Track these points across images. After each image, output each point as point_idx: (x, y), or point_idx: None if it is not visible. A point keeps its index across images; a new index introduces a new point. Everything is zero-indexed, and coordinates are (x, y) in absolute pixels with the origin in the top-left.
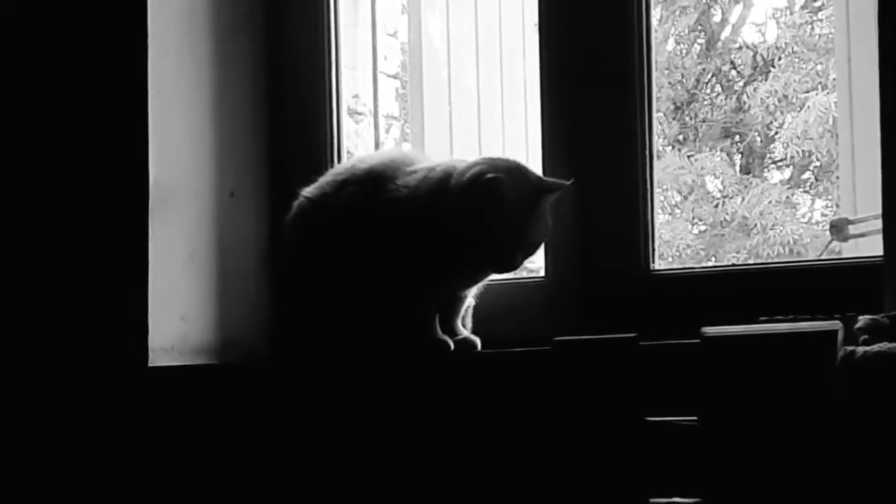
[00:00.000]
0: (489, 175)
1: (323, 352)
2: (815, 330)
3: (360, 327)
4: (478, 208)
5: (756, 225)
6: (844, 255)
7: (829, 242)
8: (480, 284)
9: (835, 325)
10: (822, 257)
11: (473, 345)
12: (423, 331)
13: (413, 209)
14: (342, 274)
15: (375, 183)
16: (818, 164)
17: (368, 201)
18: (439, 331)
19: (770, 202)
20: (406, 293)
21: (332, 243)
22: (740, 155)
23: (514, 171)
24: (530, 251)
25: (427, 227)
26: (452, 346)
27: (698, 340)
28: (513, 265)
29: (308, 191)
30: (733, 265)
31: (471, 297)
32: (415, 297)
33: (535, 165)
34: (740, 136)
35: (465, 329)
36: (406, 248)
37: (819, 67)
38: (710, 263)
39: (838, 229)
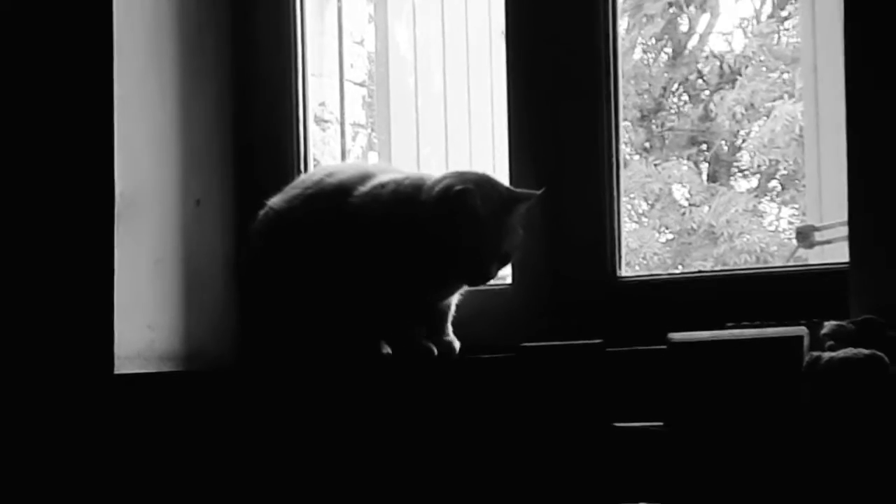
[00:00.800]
0: (458, 187)
1: (291, 360)
2: (782, 336)
3: (329, 336)
4: (449, 220)
5: (723, 233)
6: (810, 262)
7: (796, 249)
8: (460, 292)
9: (801, 331)
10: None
11: (453, 350)
12: (402, 337)
13: (381, 219)
14: (310, 285)
15: (344, 198)
16: (785, 172)
17: (337, 215)
18: (419, 336)
19: (737, 210)
20: (377, 307)
21: (300, 256)
22: (707, 163)
23: (484, 183)
24: (503, 262)
25: (396, 240)
26: (436, 352)
27: (665, 346)
28: (487, 276)
29: (275, 201)
30: (700, 272)
31: (454, 303)
32: (387, 311)
33: (502, 172)
34: (707, 145)
35: (449, 333)
36: (376, 261)
37: (786, 76)
38: (676, 270)
39: (804, 236)
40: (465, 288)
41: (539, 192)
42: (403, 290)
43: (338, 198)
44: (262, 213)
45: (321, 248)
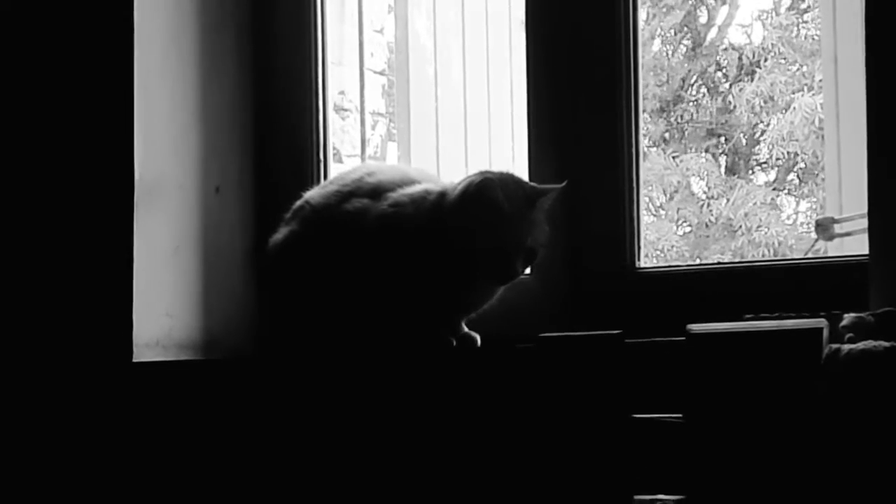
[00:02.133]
0: (478, 180)
1: (314, 348)
2: (801, 328)
3: (356, 326)
4: (472, 216)
5: (741, 226)
6: (830, 254)
7: (815, 242)
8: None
9: (820, 322)
10: (808, 256)
11: (474, 342)
12: (426, 333)
13: (412, 228)
14: (337, 282)
15: (380, 200)
16: (803, 165)
17: (368, 219)
18: (442, 331)
19: (755, 203)
20: (405, 310)
21: (331, 254)
22: (725, 156)
23: (506, 178)
24: (529, 258)
25: (421, 249)
26: (454, 343)
27: (684, 338)
28: (514, 273)
29: (311, 195)
30: (719, 263)
31: None
32: (414, 314)
33: (522, 162)
34: (725, 138)
35: (464, 327)
36: (400, 271)
37: (805, 69)
38: (695, 262)
39: (824, 228)
40: (500, 291)
41: (561, 186)
42: (430, 297)
43: (373, 199)
44: (297, 204)
45: (351, 249)
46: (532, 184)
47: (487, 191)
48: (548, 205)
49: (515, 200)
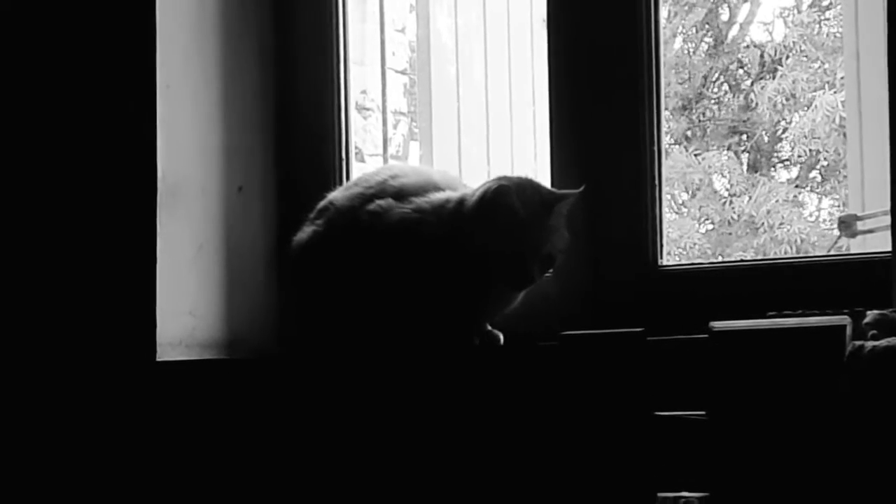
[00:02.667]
0: (495, 186)
1: (337, 347)
2: (824, 325)
3: (378, 326)
4: (489, 221)
5: (763, 224)
6: (853, 251)
7: (838, 239)
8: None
9: (843, 320)
10: (831, 253)
11: (497, 340)
12: (449, 331)
13: (431, 234)
14: (361, 284)
15: (404, 203)
16: (825, 163)
17: (388, 224)
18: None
19: (777, 201)
20: (434, 319)
21: (354, 256)
22: (747, 153)
23: (524, 184)
24: (547, 264)
25: (444, 254)
26: (477, 342)
27: (706, 335)
28: (530, 279)
29: (336, 196)
30: (742, 261)
31: None
32: (443, 323)
33: (544, 161)
34: (747, 135)
35: (487, 325)
36: (426, 275)
37: (826, 66)
38: (718, 259)
39: (847, 225)
40: (522, 295)
41: (579, 191)
42: (450, 301)
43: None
44: (320, 205)
45: (373, 250)
46: (550, 189)
47: (503, 197)
48: (566, 210)
49: (532, 206)
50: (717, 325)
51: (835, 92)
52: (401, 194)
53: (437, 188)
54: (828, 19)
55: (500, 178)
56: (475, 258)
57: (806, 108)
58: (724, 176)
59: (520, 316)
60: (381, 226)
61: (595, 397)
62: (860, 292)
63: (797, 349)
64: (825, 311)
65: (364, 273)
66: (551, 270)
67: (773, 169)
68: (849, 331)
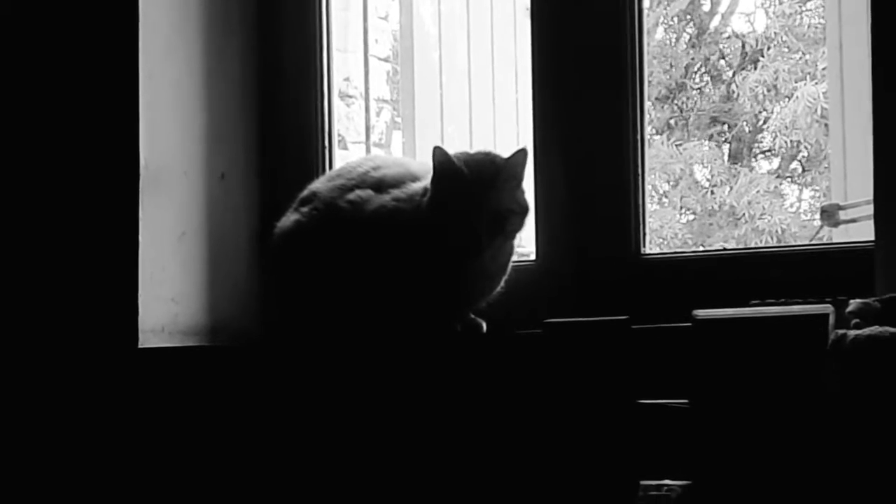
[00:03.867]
0: (434, 148)
1: (319, 335)
2: (807, 313)
3: (360, 313)
4: (437, 183)
5: (744, 214)
6: (836, 240)
7: (820, 228)
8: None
9: (826, 308)
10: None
11: (479, 327)
12: (430, 318)
13: (405, 222)
14: (341, 272)
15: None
16: (806, 154)
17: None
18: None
19: (758, 191)
20: (416, 306)
21: (335, 245)
22: (728, 144)
23: (476, 153)
24: (497, 224)
25: (416, 239)
26: (459, 329)
27: (690, 323)
28: (477, 238)
29: (318, 186)
30: (725, 249)
31: None
32: (424, 310)
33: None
34: (729, 126)
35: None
36: (402, 261)
37: (808, 57)
38: (700, 248)
39: (829, 214)
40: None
41: (523, 149)
42: (427, 286)
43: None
44: (302, 194)
45: (351, 238)
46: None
47: (442, 156)
48: (518, 170)
49: (477, 166)
50: (701, 313)
51: (816, 83)
52: (380, 185)
53: (416, 179)
54: (809, 10)
55: None
56: (436, 233)
57: (787, 99)
58: (705, 166)
59: (503, 304)
60: (359, 215)
61: (578, 385)
62: (843, 281)
63: (780, 338)
64: (808, 300)
65: (344, 261)
66: (513, 237)
67: (754, 159)
68: (832, 320)
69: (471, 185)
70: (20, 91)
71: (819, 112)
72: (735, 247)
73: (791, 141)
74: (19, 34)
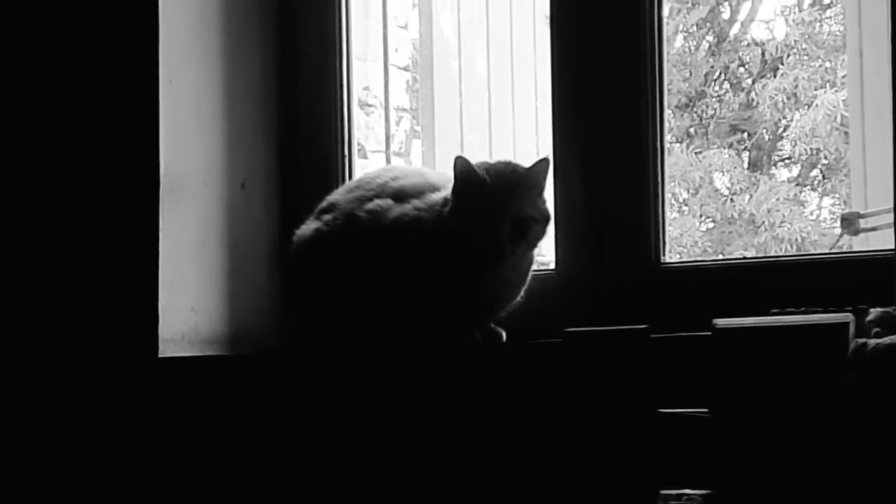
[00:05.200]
0: (455, 158)
1: (338, 344)
2: (827, 322)
3: (379, 323)
4: (459, 191)
5: (764, 222)
6: (856, 249)
7: (840, 237)
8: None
9: (846, 317)
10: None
11: (499, 336)
12: (450, 327)
13: (425, 231)
14: (361, 279)
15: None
16: (826, 161)
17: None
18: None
19: (778, 199)
20: (436, 315)
21: (354, 256)
22: (748, 152)
23: (497, 162)
24: (519, 232)
25: (437, 247)
26: (479, 339)
27: (710, 332)
28: (500, 245)
29: (336, 198)
30: (744, 258)
31: None
32: (444, 320)
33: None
34: (748, 134)
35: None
36: (422, 271)
37: (827, 65)
38: (720, 256)
39: (849, 223)
40: (522, 291)
41: (545, 158)
42: (448, 295)
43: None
44: (321, 206)
45: (371, 248)
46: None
47: (464, 164)
48: (540, 179)
49: (498, 175)
50: (721, 322)
51: (835, 91)
52: (400, 195)
53: (435, 189)
54: (828, 18)
55: None
56: (458, 242)
57: (807, 107)
58: (724, 174)
59: (523, 314)
60: (379, 223)
61: (598, 394)
62: (863, 290)
63: (800, 346)
64: (828, 309)
65: (364, 270)
66: (534, 245)
67: (773, 167)
68: (852, 328)
69: (493, 193)
70: (41, 98)
71: (839, 120)
72: (755, 255)
73: (811, 149)
74: (40, 42)
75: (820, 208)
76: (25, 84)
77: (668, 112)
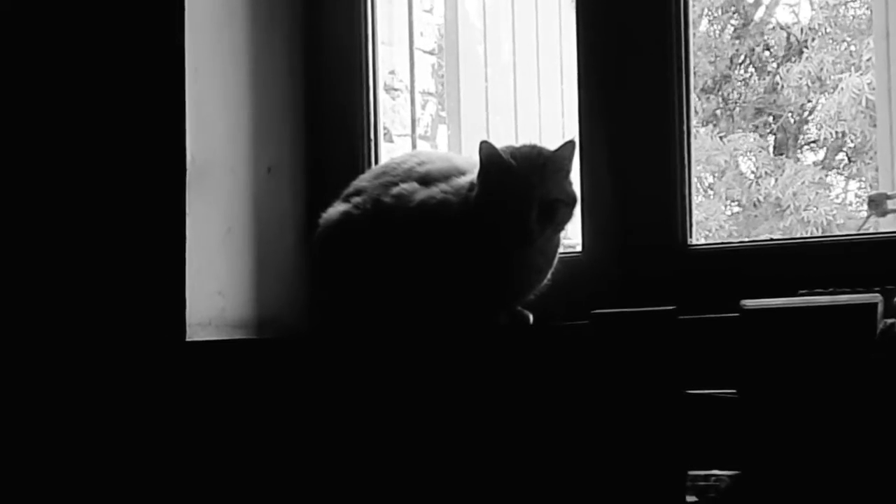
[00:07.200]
0: (481, 142)
1: (366, 327)
2: (855, 303)
3: (406, 306)
4: (485, 175)
5: (789, 206)
6: (883, 230)
7: (868, 218)
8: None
9: (875, 297)
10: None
11: (526, 319)
12: (477, 310)
13: (451, 215)
14: (388, 263)
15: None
16: (852, 145)
17: (411, 210)
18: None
19: (803, 183)
20: (464, 299)
21: (381, 234)
22: (773, 135)
23: (523, 146)
24: (548, 215)
25: (463, 231)
26: (506, 322)
27: (737, 314)
28: (528, 228)
29: (363, 184)
30: (772, 239)
31: None
32: (472, 303)
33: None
34: (774, 117)
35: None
36: (449, 254)
37: (853, 48)
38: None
39: (877, 204)
40: (549, 273)
41: (569, 141)
42: (475, 279)
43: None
44: (347, 191)
45: (398, 231)
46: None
47: (489, 148)
48: (566, 162)
49: (524, 158)
50: (749, 303)
51: (861, 74)
52: (426, 180)
53: (462, 173)
54: (853, 1)
55: None
56: (486, 227)
57: (832, 91)
58: (750, 158)
59: (550, 296)
60: (404, 208)
61: (626, 376)
62: (891, 270)
63: (828, 327)
64: (856, 290)
65: (391, 253)
66: (561, 228)
67: (799, 151)
68: (880, 309)
69: (519, 176)
70: (70, 89)
71: (864, 103)
72: (782, 237)
73: (836, 132)
74: (66, 32)
75: (846, 191)
76: (57, 76)
77: (693, 95)
